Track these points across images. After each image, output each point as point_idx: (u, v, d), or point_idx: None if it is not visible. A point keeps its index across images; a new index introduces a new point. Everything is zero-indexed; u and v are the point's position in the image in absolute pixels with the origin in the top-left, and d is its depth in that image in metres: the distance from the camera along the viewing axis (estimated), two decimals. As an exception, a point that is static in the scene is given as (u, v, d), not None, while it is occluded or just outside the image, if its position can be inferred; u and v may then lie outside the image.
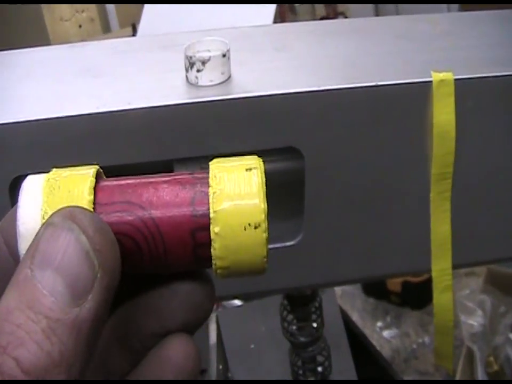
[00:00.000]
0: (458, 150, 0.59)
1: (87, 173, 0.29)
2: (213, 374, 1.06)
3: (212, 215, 0.28)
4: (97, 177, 0.30)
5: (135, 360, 0.31)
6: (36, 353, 0.23)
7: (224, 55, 0.55)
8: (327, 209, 0.60)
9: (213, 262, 0.29)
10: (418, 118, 0.58)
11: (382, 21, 0.72)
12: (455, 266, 0.64)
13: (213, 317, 1.17)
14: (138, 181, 0.29)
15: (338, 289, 1.84)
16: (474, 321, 1.39)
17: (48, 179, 0.28)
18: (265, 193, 0.29)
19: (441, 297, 0.65)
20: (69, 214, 0.26)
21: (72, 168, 0.30)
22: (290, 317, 0.82)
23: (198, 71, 0.54)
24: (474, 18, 0.71)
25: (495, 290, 1.43)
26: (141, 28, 1.58)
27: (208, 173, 0.30)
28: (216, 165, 0.30)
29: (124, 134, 0.54)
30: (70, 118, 0.53)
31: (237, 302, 1.31)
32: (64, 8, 2.88)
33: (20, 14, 2.74)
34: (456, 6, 2.53)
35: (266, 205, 0.29)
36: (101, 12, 2.97)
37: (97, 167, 0.30)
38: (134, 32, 2.62)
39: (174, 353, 0.30)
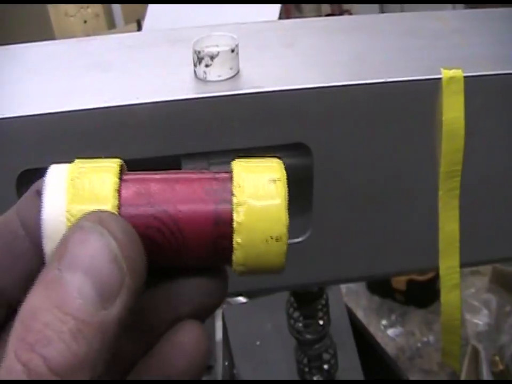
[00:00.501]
0: (467, 148, 0.58)
1: (111, 171, 0.28)
2: (218, 371, 1.06)
3: (235, 225, 0.28)
4: (120, 172, 0.29)
5: (147, 346, 0.31)
6: (63, 352, 0.24)
7: (233, 50, 0.54)
8: (335, 206, 0.60)
9: (233, 267, 0.30)
10: (427, 115, 0.58)
11: (390, 18, 0.72)
12: (463, 265, 0.64)
13: (219, 314, 1.16)
14: (162, 183, 0.29)
15: (342, 287, 1.84)
16: (480, 320, 1.39)
17: (72, 178, 0.28)
18: (287, 204, 0.29)
19: (449, 296, 0.65)
20: (98, 219, 0.26)
21: (95, 162, 0.29)
22: (296, 314, 0.82)
23: (207, 66, 0.54)
24: (483, 15, 0.70)
25: (501, 289, 1.43)
26: (145, 24, 1.58)
27: (231, 177, 0.30)
28: (239, 171, 0.30)
29: (132, 128, 0.54)
30: (78, 112, 0.53)
31: (242, 299, 1.30)
32: (69, 4, 2.89)
33: (25, 10, 2.74)
34: (461, 7, 2.52)
35: (288, 217, 0.29)
36: (106, 8, 2.97)
37: (119, 161, 0.30)
38: (139, 28, 2.62)
39: (186, 338, 0.31)
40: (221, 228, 0.29)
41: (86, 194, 0.28)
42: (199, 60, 0.54)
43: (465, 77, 0.56)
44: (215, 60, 0.54)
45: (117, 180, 0.28)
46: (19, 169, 0.53)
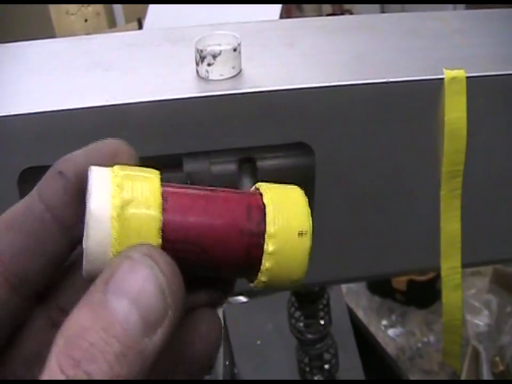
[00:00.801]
0: (469, 148, 0.58)
1: (155, 210, 0.29)
2: (219, 370, 1.06)
3: (266, 236, 0.30)
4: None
5: None
6: (107, 372, 0.24)
7: (235, 49, 0.54)
8: (337, 206, 0.60)
9: (257, 280, 0.31)
10: (429, 116, 0.58)
11: (391, 18, 0.72)
12: (464, 265, 0.64)
13: (219, 313, 1.16)
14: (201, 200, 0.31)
15: (343, 287, 1.84)
16: (480, 320, 1.39)
17: (118, 210, 0.28)
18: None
19: (450, 296, 0.65)
20: (147, 252, 0.27)
21: (137, 170, 0.30)
22: (297, 313, 0.82)
23: (209, 65, 0.54)
24: (485, 16, 0.70)
25: (501, 290, 1.42)
26: (146, 23, 1.58)
27: (264, 207, 0.31)
28: (271, 204, 0.31)
29: (133, 127, 0.54)
30: (79, 110, 0.53)
31: (242, 299, 1.30)
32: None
33: (25, 8, 2.74)
34: (462, 6, 2.52)
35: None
36: (106, 7, 2.97)
37: (160, 191, 0.30)
38: (140, 27, 2.62)
39: (203, 324, 0.32)
40: (254, 222, 0.30)
41: (131, 234, 0.28)
42: (202, 58, 0.54)
43: (467, 77, 0.56)
44: (218, 59, 0.54)
45: (160, 222, 0.29)
46: (21, 167, 0.53)
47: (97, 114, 0.53)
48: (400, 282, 1.77)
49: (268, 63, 0.58)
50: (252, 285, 0.32)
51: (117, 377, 0.25)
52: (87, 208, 0.28)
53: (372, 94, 0.56)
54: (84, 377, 0.24)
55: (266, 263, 0.30)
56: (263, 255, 0.30)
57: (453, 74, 0.56)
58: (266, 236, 0.30)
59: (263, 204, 0.31)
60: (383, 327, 1.77)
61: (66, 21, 2.93)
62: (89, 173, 0.29)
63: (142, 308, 0.26)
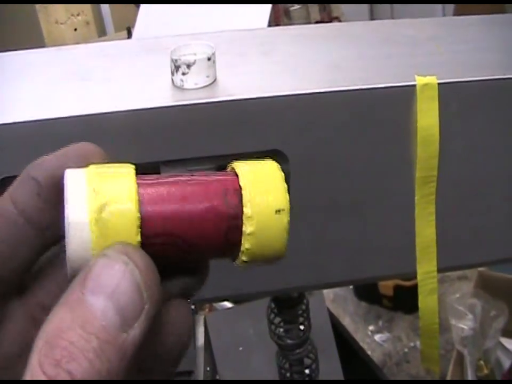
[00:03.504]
0: (442, 154, 0.59)
1: (132, 208, 0.29)
2: (199, 376, 1.06)
3: (244, 217, 0.31)
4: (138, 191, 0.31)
5: None
6: (87, 369, 0.25)
7: (209, 59, 0.55)
8: (312, 212, 0.61)
9: (239, 258, 0.32)
10: (402, 122, 0.58)
11: (370, 26, 0.73)
12: (440, 270, 0.64)
13: (200, 319, 1.17)
14: (172, 187, 0.31)
15: (330, 293, 1.85)
16: (465, 325, 1.39)
17: (95, 214, 0.29)
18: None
19: (426, 300, 0.66)
20: (122, 249, 0.28)
21: (110, 167, 0.31)
22: (277, 319, 0.83)
23: (183, 74, 0.55)
24: (461, 23, 0.71)
25: (486, 294, 1.43)
26: (136, 31, 1.59)
27: (236, 177, 0.32)
28: (243, 172, 0.32)
29: (109, 136, 0.54)
30: (57, 120, 0.53)
31: (228, 304, 1.31)
32: (60, 11, 2.88)
33: (15, 17, 2.74)
34: (451, 6, 2.53)
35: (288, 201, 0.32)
36: (96, 15, 2.97)
37: (133, 166, 0.31)
38: (129, 36, 2.62)
39: (174, 315, 0.32)
40: (231, 205, 0.31)
41: (110, 235, 0.29)
42: (176, 68, 0.55)
43: (439, 83, 0.57)
44: (192, 68, 0.54)
45: (139, 220, 0.29)
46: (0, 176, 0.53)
47: (74, 123, 0.53)
48: (387, 288, 1.78)
49: (243, 72, 0.59)
50: (234, 263, 0.33)
51: (98, 373, 0.25)
52: (65, 216, 0.28)
53: (345, 101, 0.57)
54: (66, 377, 0.25)
55: (246, 244, 0.31)
56: (242, 236, 0.31)
57: (425, 80, 0.57)
58: (243, 217, 0.31)
59: (239, 185, 0.31)
60: (370, 333, 1.77)
61: (55, 30, 2.93)
62: (64, 176, 0.30)
63: (118, 303, 0.27)
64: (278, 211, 0.31)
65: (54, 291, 0.32)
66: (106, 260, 0.28)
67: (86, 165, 0.31)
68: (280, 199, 0.31)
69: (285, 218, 0.31)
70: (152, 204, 0.30)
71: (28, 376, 0.25)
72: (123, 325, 0.26)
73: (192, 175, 0.32)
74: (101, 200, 0.29)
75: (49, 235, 0.32)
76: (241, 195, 0.31)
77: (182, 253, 0.31)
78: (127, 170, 0.31)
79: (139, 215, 0.29)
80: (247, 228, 0.31)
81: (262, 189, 0.31)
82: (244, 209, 0.31)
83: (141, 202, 0.30)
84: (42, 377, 0.25)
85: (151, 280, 0.28)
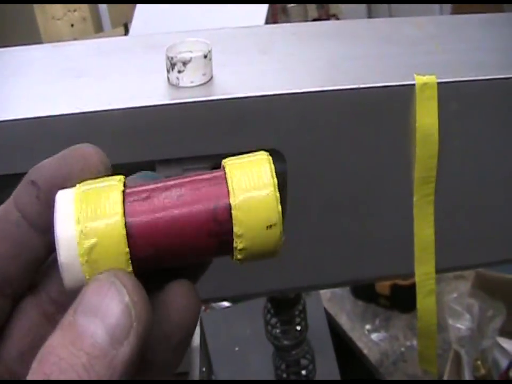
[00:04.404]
0: (442, 154, 0.59)
1: (116, 189, 0.30)
2: (195, 376, 1.06)
3: (233, 219, 0.30)
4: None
5: None
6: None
7: (205, 56, 0.54)
8: (309, 212, 0.60)
9: (234, 256, 0.32)
10: (401, 121, 0.58)
11: (368, 24, 0.72)
12: (438, 271, 0.64)
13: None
14: (162, 191, 0.31)
15: (327, 292, 1.84)
16: (462, 325, 1.39)
17: (81, 237, 0.29)
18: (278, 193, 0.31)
19: (424, 301, 0.65)
20: (112, 273, 0.29)
21: (98, 182, 0.31)
22: (274, 320, 0.82)
23: (179, 72, 0.54)
24: (460, 22, 0.70)
25: (483, 294, 1.43)
26: (133, 28, 1.58)
27: (225, 175, 0.31)
28: (231, 169, 0.32)
29: (104, 134, 0.54)
30: (51, 118, 0.52)
31: (226, 304, 1.30)
32: (56, 7, 2.88)
33: (11, 13, 2.73)
34: (448, 6, 2.53)
35: (280, 205, 0.31)
36: (93, 12, 2.96)
37: (121, 177, 0.31)
38: (126, 32, 2.61)
39: (178, 297, 0.32)
40: (221, 224, 0.30)
41: (100, 257, 0.30)
42: (172, 65, 0.54)
43: (438, 83, 0.56)
44: (188, 66, 0.54)
45: (121, 195, 0.30)
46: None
47: (69, 121, 0.53)
48: (384, 287, 1.78)
49: (240, 70, 0.58)
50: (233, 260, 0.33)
51: None
52: (55, 237, 0.29)
53: (343, 100, 0.56)
54: None
55: (238, 255, 0.31)
56: (234, 250, 0.31)
57: (424, 80, 0.56)
58: (234, 235, 0.30)
59: (229, 203, 0.31)
60: (366, 332, 1.77)
61: (52, 26, 2.92)
62: (55, 198, 0.30)
63: (107, 322, 0.27)
64: (269, 226, 0.31)
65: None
66: (96, 283, 0.29)
67: (79, 180, 0.31)
68: (272, 214, 0.31)
69: (277, 231, 0.31)
70: (141, 223, 0.30)
71: None
72: (113, 343, 0.27)
73: (182, 184, 0.31)
74: (88, 223, 0.29)
75: (52, 238, 0.31)
76: (231, 214, 0.30)
77: (175, 264, 0.32)
78: (115, 188, 0.31)
79: (127, 250, 0.30)
80: (238, 244, 0.31)
81: (253, 206, 0.30)
82: (234, 228, 0.30)
83: (129, 221, 0.30)
84: None
85: (139, 299, 0.29)
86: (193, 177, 0.32)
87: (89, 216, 0.29)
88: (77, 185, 0.31)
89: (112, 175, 0.32)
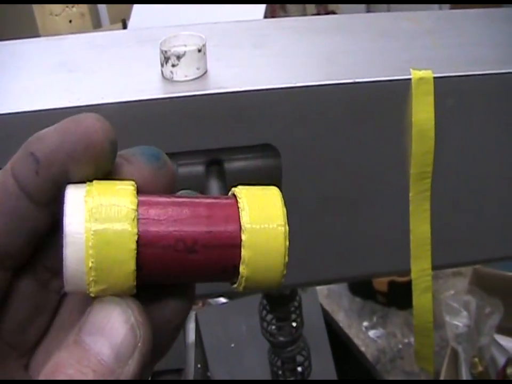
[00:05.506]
0: (438, 149, 0.58)
1: (129, 194, 0.30)
2: (190, 373, 1.05)
3: (242, 249, 0.31)
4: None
5: None
6: None
7: (199, 50, 0.54)
8: (304, 208, 0.60)
9: (237, 285, 0.32)
10: (397, 116, 0.57)
11: (365, 18, 0.72)
12: (435, 267, 0.63)
13: (191, 316, 1.16)
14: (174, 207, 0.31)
15: (324, 289, 1.84)
16: (459, 322, 1.39)
17: (90, 242, 0.29)
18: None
19: (420, 298, 0.65)
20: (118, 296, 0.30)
21: (112, 184, 0.30)
22: (269, 316, 0.82)
23: (173, 66, 0.53)
24: (458, 16, 0.70)
25: (481, 291, 1.42)
26: (131, 24, 1.58)
27: (237, 203, 0.32)
28: (243, 197, 0.32)
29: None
30: (43, 111, 0.52)
31: (222, 300, 1.30)
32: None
33: (10, 9, 2.73)
34: (448, 6, 2.52)
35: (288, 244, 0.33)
36: (91, 7, 2.95)
37: (134, 183, 0.31)
38: (125, 28, 2.61)
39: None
40: (230, 251, 0.31)
41: (108, 273, 0.29)
42: (166, 59, 0.54)
43: (435, 77, 0.56)
44: (182, 60, 0.53)
45: (135, 201, 0.30)
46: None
47: (62, 116, 0.52)
48: (381, 284, 1.78)
49: (234, 64, 0.58)
50: (232, 287, 0.33)
51: None
52: (63, 237, 0.29)
53: (338, 94, 0.56)
54: None
55: (242, 284, 0.31)
56: (239, 279, 0.31)
57: (421, 74, 0.56)
58: (241, 264, 0.31)
59: (240, 234, 0.31)
60: (364, 329, 1.77)
61: (50, 22, 2.91)
62: (65, 192, 0.29)
63: (113, 341, 0.28)
64: (277, 254, 0.32)
65: (59, 253, 0.32)
66: (101, 304, 0.29)
67: (90, 177, 0.31)
68: (280, 253, 0.33)
69: (283, 259, 0.33)
70: (150, 236, 0.30)
71: None
72: (118, 361, 0.28)
73: (195, 208, 0.31)
74: (98, 226, 0.29)
75: (52, 210, 0.31)
76: (240, 242, 0.31)
77: (179, 281, 0.32)
78: (128, 197, 0.30)
79: (134, 266, 0.29)
80: (243, 271, 0.31)
81: (263, 237, 0.32)
82: (242, 250, 0.31)
83: (140, 231, 0.30)
84: None
85: (143, 319, 0.29)
86: (204, 199, 0.32)
87: (101, 218, 0.29)
88: (87, 184, 0.30)
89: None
